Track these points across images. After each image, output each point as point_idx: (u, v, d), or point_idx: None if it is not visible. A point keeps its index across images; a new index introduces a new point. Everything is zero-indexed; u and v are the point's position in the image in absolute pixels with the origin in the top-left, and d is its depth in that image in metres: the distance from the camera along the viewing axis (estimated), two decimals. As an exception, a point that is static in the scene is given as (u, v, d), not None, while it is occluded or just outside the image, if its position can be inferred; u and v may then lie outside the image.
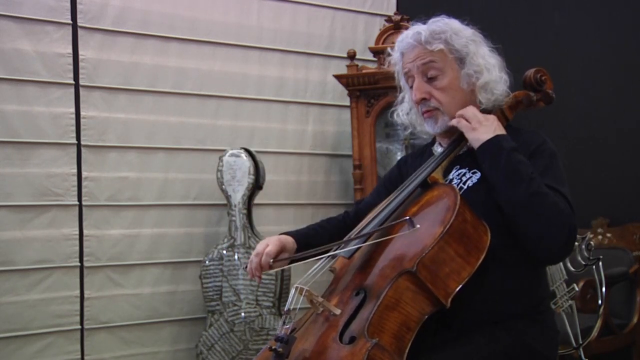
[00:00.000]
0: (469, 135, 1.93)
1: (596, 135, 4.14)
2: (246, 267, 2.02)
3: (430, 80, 1.98)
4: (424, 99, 1.99)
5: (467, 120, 1.94)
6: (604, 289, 3.26)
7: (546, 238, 1.80)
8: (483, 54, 2.00)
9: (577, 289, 3.15)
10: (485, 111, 1.99)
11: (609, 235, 3.96)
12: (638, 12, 4.07)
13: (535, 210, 1.79)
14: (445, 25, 1.99)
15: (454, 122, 1.96)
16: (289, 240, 2.05)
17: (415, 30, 1.99)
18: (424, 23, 2.03)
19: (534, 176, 1.82)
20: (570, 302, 3.17)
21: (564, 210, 1.80)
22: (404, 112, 2.13)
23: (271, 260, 1.96)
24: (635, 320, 3.58)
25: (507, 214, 1.83)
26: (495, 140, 1.88)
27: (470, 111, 1.95)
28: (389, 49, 2.11)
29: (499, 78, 2.01)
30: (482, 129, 1.91)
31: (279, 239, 2.02)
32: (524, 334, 1.86)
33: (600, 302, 3.29)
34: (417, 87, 2.00)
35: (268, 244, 1.98)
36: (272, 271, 2.02)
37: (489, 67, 1.99)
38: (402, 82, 2.09)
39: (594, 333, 3.31)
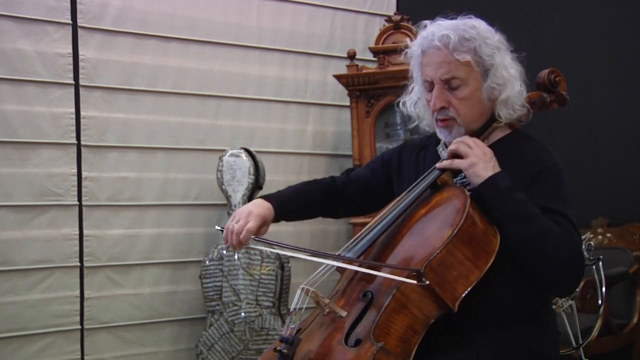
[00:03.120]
0: (468, 172, 1.84)
1: (596, 135, 4.15)
2: (223, 232, 1.93)
3: (452, 89, 1.88)
4: (442, 107, 1.90)
5: (462, 154, 1.86)
6: (604, 289, 3.27)
7: (553, 277, 1.78)
8: (507, 65, 1.90)
9: (577, 289, 3.15)
10: (490, 119, 1.93)
11: (609, 235, 3.97)
12: (638, 12, 4.07)
13: (539, 252, 1.76)
14: (475, 31, 1.88)
15: (445, 164, 1.88)
16: (269, 210, 1.97)
17: (443, 33, 1.87)
18: (452, 19, 1.92)
19: (534, 214, 1.78)
20: (570, 302, 3.17)
21: (569, 245, 1.77)
22: (411, 103, 2.04)
23: (252, 237, 1.91)
24: (635, 320, 3.59)
25: (512, 253, 1.79)
26: (493, 180, 1.81)
27: (467, 144, 1.86)
28: (408, 40, 2.03)
29: (521, 91, 1.92)
30: (481, 164, 1.83)
31: (259, 214, 1.93)
32: (526, 336, 1.85)
33: (600, 302, 3.29)
34: (437, 95, 1.89)
35: (249, 220, 1.90)
36: (250, 246, 1.97)
37: (511, 80, 1.90)
38: (416, 74, 1.99)
39: (594, 333, 3.31)
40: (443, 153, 2.00)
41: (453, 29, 1.87)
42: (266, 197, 2.02)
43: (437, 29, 1.89)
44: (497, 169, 1.83)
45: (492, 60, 1.88)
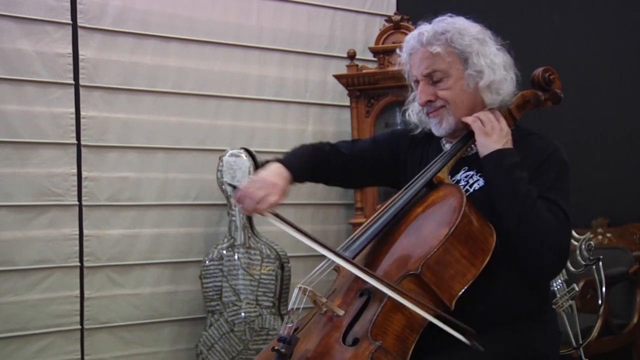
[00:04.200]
0: (480, 138, 1.91)
1: (596, 135, 4.14)
2: (234, 189, 1.90)
3: (435, 83, 1.96)
4: (429, 101, 1.97)
5: (482, 122, 1.92)
6: (604, 289, 3.26)
7: (536, 256, 1.81)
8: (487, 53, 1.95)
9: (577, 289, 3.15)
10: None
11: (609, 235, 3.96)
12: (638, 12, 4.07)
13: (527, 229, 1.80)
14: (449, 24, 1.96)
15: (469, 119, 1.94)
16: (289, 182, 1.95)
17: (419, 31, 1.97)
18: (430, 23, 1.99)
19: (531, 194, 1.81)
20: (570, 302, 3.16)
21: (556, 230, 1.80)
22: (414, 111, 2.10)
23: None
24: (635, 320, 3.59)
25: (504, 226, 1.83)
26: (500, 153, 1.87)
27: (490, 115, 1.93)
28: (397, 50, 2.08)
29: (503, 77, 1.96)
30: (494, 136, 1.90)
31: (283, 188, 1.90)
32: (527, 335, 1.86)
33: (600, 302, 3.29)
34: (422, 90, 1.97)
35: (272, 192, 1.86)
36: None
37: (492, 67, 1.94)
38: (412, 81, 2.06)
39: (594, 333, 3.31)
40: (447, 146, 2.03)
41: (429, 27, 1.98)
42: (287, 165, 1.98)
43: (415, 31, 2.01)
44: (510, 146, 1.89)
45: (470, 49, 1.94)
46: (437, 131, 2.01)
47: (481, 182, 1.93)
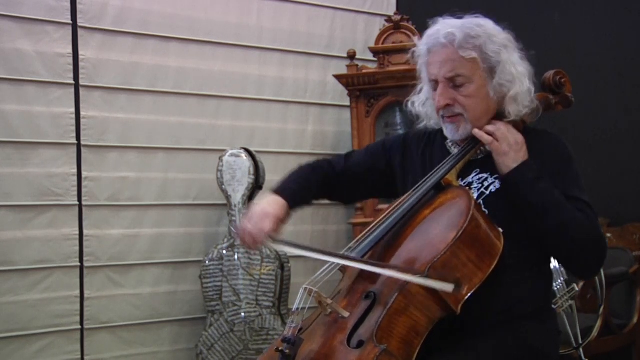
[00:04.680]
0: (499, 159, 1.86)
1: (596, 136, 4.15)
2: (236, 230, 1.94)
3: (456, 87, 1.89)
4: (447, 105, 1.91)
5: (497, 139, 1.87)
6: (604, 289, 3.27)
7: (581, 261, 1.87)
8: (514, 62, 1.91)
9: (577, 289, 3.14)
10: (510, 122, 1.94)
11: (609, 235, 3.96)
12: (638, 12, 4.07)
13: (566, 239, 1.83)
14: (480, 28, 1.89)
15: (486, 139, 1.88)
16: (284, 209, 1.96)
17: (449, 30, 1.87)
18: (459, 18, 1.92)
19: (559, 201, 1.83)
20: (570, 302, 3.16)
21: (591, 229, 1.84)
22: (420, 102, 2.05)
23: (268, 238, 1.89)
24: (635, 320, 3.59)
25: (540, 241, 1.85)
26: (520, 170, 1.84)
27: (503, 131, 1.88)
28: (415, 39, 2.02)
29: (530, 89, 1.93)
30: (513, 154, 1.86)
31: (275, 215, 1.92)
32: (528, 336, 1.86)
33: (600, 302, 3.30)
34: (442, 93, 1.90)
35: (265, 221, 1.89)
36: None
37: (520, 78, 1.90)
38: (424, 74, 1.99)
39: (594, 333, 3.31)
40: (453, 149, 2.00)
41: (459, 27, 1.88)
42: (279, 193, 2.00)
43: (443, 27, 1.90)
44: (526, 157, 1.87)
45: (499, 57, 1.89)
46: (452, 136, 1.96)
47: (497, 184, 1.91)
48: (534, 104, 1.95)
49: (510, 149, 1.86)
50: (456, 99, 1.90)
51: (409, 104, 2.08)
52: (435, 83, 1.93)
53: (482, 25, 1.90)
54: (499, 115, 1.94)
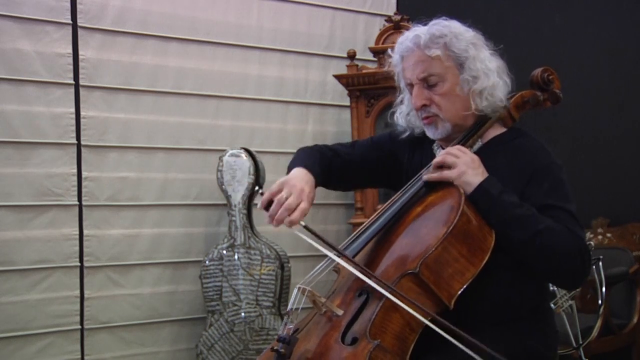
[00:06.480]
0: (459, 181, 1.84)
1: (596, 135, 4.14)
2: (264, 201, 1.78)
3: (431, 87, 1.93)
4: (424, 105, 1.94)
5: (449, 166, 1.86)
6: (604, 289, 3.27)
7: (560, 272, 1.81)
8: (483, 58, 1.94)
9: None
10: (482, 117, 1.96)
11: (609, 235, 3.96)
12: (638, 12, 4.07)
13: (541, 250, 1.77)
14: (446, 28, 1.94)
15: (434, 176, 1.87)
16: (314, 188, 1.88)
17: (415, 33, 1.94)
18: (425, 25, 1.98)
19: (530, 214, 1.79)
20: (570, 302, 3.17)
21: (569, 238, 1.78)
22: (402, 114, 2.09)
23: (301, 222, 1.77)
24: (635, 320, 3.59)
25: (516, 254, 1.81)
26: (484, 186, 1.82)
27: (453, 153, 1.87)
28: (389, 51, 2.06)
29: (497, 83, 1.94)
30: (471, 171, 1.84)
31: (310, 194, 1.82)
32: (524, 335, 1.86)
33: (600, 302, 3.29)
34: (417, 94, 1.94)
35: (302, 199, 1.78)
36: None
37: (487, 72, 1.93)
38: (402, 84, 2.04)
39: (594, 333, 3.31)
40: (439, 152, 2.02)
41: (425, 30, 1.95)
42: (310, 169, 1.91)
43: (410, 33, 1.97)
44: (486, 175, 1.85)
45: (467, 53, 1.93)
46: (433, 135, 1.99)
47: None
48: (503, 102, 1.96)
49: (467, 167, 1.84)
50: (432, 99, 1.94)
51: (394, 117, 2.12)
52: (411, 87, 1.97)
53: (447, 26, 1.95)
54: (484, 118, 1.97)
